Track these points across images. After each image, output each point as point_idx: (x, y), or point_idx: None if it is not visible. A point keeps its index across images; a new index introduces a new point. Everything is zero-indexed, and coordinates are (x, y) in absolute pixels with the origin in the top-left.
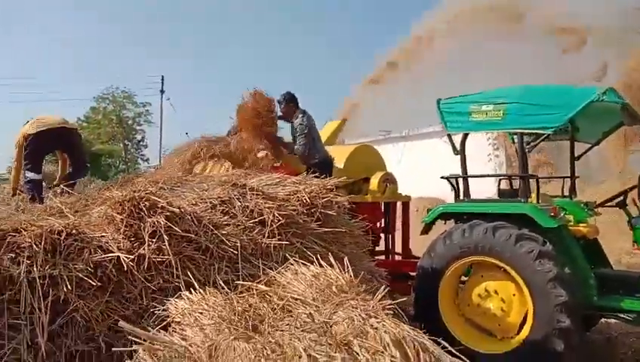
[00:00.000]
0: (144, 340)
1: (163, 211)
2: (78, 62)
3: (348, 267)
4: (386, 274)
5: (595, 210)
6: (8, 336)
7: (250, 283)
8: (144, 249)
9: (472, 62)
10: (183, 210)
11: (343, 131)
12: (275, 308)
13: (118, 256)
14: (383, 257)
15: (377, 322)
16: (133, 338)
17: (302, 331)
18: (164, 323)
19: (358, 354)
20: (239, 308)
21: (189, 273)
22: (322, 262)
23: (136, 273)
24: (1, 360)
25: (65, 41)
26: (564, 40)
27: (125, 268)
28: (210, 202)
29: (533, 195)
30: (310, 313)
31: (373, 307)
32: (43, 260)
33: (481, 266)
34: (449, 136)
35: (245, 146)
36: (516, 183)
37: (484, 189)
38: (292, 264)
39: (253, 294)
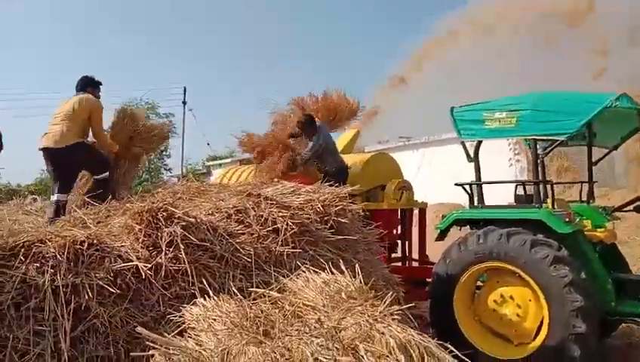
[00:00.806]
0: (160, 345)
1: (180, 221)
2: (100, 72)
3: (358, 274)
4: (401, 281)
5: (614, 214)
6: (33, 342)
7: (263, 290)
8: (161, 258)
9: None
10: (198, 219)
11: (363, 137)
12: (287, 314)
13: (137, 265)
14: (400, 264)
15: (384, 327)
16: (150, 344)
17: (310, 336)
18: (180, 329)
19: (363, 357)
20: (251, 314)
21: (204, 281)
22: (333, 270)
23: (153, 281)
24: None
25: (84, 52)
26: None
27: (143, 276)
28: (226, 212)
29: (549, 201)
30: (319, 318)
31: (380, 312)
32: (66, 269)
33: (496, 272)
34: (463, 143)
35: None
36: (532, 189)
37: (503, 196)
38: (304, 271)
39: (266, 301)
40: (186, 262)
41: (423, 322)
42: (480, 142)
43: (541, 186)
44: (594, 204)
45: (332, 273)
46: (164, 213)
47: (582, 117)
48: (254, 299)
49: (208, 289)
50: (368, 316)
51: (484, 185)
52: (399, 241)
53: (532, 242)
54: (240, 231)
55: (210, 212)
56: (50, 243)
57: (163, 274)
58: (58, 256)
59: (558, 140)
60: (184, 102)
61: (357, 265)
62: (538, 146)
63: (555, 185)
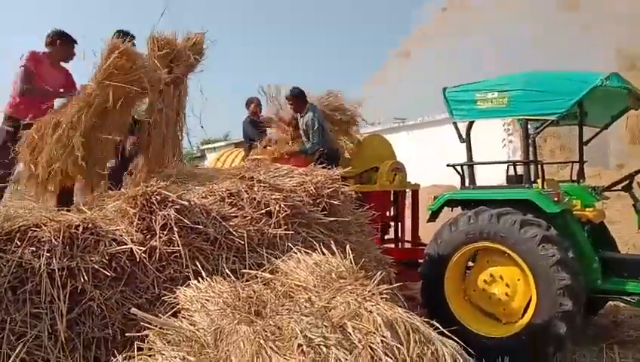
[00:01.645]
0: (155, 326)
1: (173, 204)
2: None
3: (349, 254)
4: (394, 262)
5: (603, 194)
6: (30, 324)
7: (255, 271)
8: (155, 241)
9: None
10: (192, 202)
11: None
12: (278, 294)
13: (131, 248)
14: (392, 245)
15: (372, 305)
16: (145, 325)
17: (301, 315)
18: (174, 310)
19: (351, 334)
20: (244, 295)
21: (197, 263)
22: (325, 251)
23: (148, 264)
24: (24, 347)
25: None
26: None
27: (138, 259)
28: (219, 195)
29: (540, 181)
30: (310, 298)
31: (369, 292)
32: (62, 253)
33: (486, 252)
34: (455, 124)
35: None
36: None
37: (498, 176)
38: (296, 253)
39: (258, 282)
40: (180, 245)
41: (414, 303)
42: (472, 123)
43: (532, 166)
44: (584, 184)
45: (323, 254)
46: (157, 197)
47: (572, 96)
48: (247, 280)
49: (202, 271)
50: (357, 295)
51: (475, 166)
52: (392, 223)
53: (521, 222)
54: (233, 214)
55: (203, 195)
56: (45, 228)
57: (157, 256)
58: (53, 240)
59: (549, 120)
60: None
61: (348, 246)
62: (529, 126)
63: (549, 165)
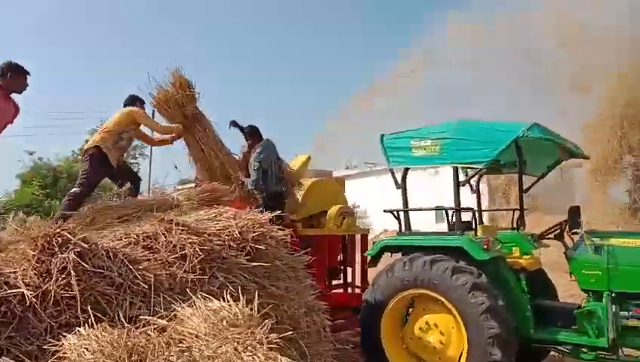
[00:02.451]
0: None
1: (75, 247)
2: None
3: (241, 299)
4: (342, 307)
5: (541, 241)
6: None
7: (150, 318)
8: (51, 285)
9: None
10: (95, 245)
11: (326, 163)
12: (170, 343)
13: (23, 292)
14: (341, 290)
15: (249, 355)
16: None
17: None
18: (59, 358)
19: None
20: (129, 343)
21: (99, 308)
22: (227, 297)
23: (38, 308)
24: None
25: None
26: None
27: (28, 304)
28: (134, 237)
29: (479, 227)
30: (190, 347)
31: (257, 340)
32: None
33: (422, 299)
34: (391, 170)
35: None
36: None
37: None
38: (198, 299)
39: (152, 329)
40: (77, 290)
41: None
42: (407, 170)
43: (476, 213)
44: (523, 231)
45: (226, 301)
46: (58, 239)
47: (496, 145)
48: (144, 326)
49: (101, 316)
50: (239, 344)
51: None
52: (341, 267)
53: (453, 269)
54: (145, 258)
55: (119, 237)
56: None
57: (52, 301)
58: None
59: (477, 168)
60: None
61: (256, 292)
62: (461, 173)
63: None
